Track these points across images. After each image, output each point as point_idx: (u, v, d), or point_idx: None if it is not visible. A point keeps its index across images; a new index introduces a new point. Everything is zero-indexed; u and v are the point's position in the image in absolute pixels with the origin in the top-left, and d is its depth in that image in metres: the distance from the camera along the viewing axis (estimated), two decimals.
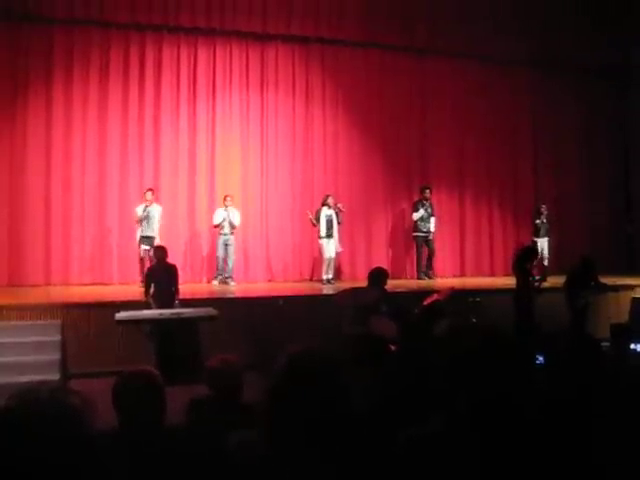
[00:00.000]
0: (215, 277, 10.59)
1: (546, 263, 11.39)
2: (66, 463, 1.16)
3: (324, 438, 1.45)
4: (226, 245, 10.36)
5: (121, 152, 10.86)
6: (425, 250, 11.57)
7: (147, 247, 9.67)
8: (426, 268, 11.58)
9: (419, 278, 11.50)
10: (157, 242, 9.60)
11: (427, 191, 11.60)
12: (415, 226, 11.54)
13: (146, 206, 9.83)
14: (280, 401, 1.50)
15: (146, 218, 9.78)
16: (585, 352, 2.20)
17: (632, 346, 2.92)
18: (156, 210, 9.94)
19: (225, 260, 10.40)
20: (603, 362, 2.19)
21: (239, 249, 10.94)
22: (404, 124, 12.28)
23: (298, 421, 1.46)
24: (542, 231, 11.46)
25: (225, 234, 10.35)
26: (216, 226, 10.41)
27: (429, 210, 11.54)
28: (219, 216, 10.38)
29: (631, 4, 12.83)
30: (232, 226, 10.37)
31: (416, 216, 11.49)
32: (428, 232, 11.49)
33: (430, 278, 11.45)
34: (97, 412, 1.28)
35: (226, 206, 10.35)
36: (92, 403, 1.27)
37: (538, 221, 11.48)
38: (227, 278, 10.40)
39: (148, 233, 9.79)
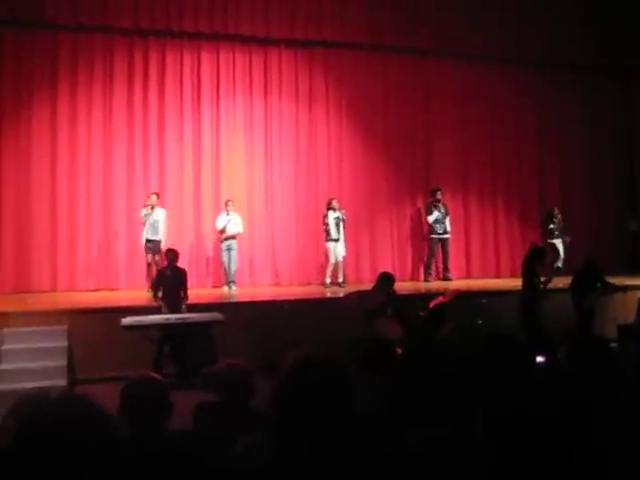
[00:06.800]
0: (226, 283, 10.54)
1: (560, 264, 11.44)
2: (87, 465, 1.16)
3: (330, 441, 1.45)
4: (228, 250, 10.36)
5: (127, 157, 10.90)
6: (439, 252, 11.58)
7: (150, 252, 9.73)
8: (444, 270, 11.66)
9: (426, 280, 11.50)
10: (162, 246, 9.65)
11: (438, 193, 11.64)
12: (431, 228, 11.58)
13: (148, 210, 9.88)
14: (286, 404, 1.50)
15: (147, 222, 9.84)
16: (594, 353, 2.19)
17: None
18: (158, 214, 9.97)
19: (228, 264, 10.41)
20: (612, 363, 2.18)
21: (245, 253, 10.95)
22: (408, 127, 12.26)
23: (304, 424, 1.46)
24: (557, 232, 11.78)
25: (227, 238, 10.36)
26: (221, 231, 10.42)
27: (442, 211, 11.58)
28: (221, 221, 10.39)
29: (633, 2, 12.79)
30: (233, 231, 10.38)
31: (431, 219, 11.54)
32: (445, 232, 11.55)
33: (449, 280, 11.48)
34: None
35: (227, 211, 10.37)
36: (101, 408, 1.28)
37: (553, 226, 11.77)
38: (230, 282, 10.39)
39: (149, 237, 9.88)
